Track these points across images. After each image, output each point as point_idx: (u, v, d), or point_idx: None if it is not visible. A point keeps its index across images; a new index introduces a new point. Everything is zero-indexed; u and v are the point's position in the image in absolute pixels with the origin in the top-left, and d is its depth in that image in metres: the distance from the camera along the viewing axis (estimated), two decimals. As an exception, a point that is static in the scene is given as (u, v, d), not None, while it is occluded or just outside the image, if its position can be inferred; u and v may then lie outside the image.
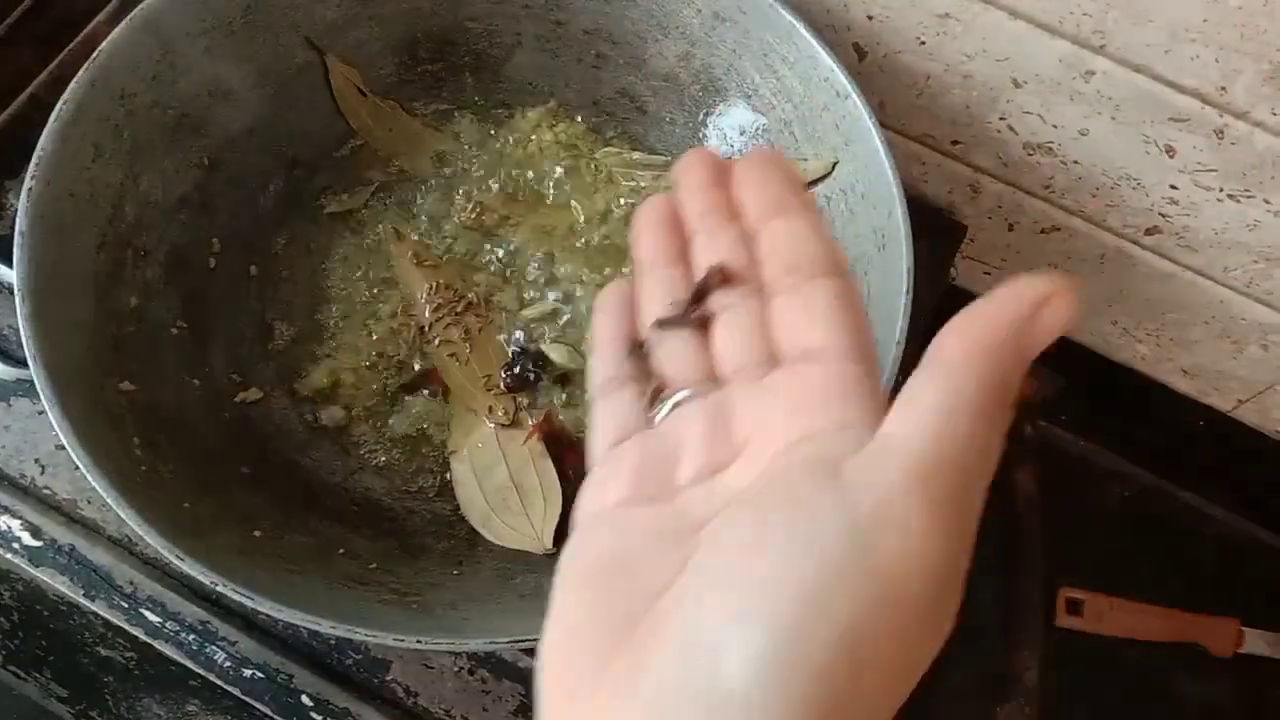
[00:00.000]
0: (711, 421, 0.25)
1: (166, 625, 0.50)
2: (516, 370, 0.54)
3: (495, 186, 0.58)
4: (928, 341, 0.22)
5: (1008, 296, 0.22)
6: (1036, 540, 0.69)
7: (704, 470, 0.24)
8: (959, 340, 0.22)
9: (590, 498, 0.25)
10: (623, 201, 0.58)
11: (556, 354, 0.54)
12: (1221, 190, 0.57)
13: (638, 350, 0.28)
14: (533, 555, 0.49)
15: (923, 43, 0.57)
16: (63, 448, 0.41)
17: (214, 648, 0.50)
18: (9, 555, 0.51)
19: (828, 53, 0.51)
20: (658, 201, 0.30)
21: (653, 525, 0.23)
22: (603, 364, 0.28)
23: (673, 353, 0.27)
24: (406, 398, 0.54)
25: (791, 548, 0.20)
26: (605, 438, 0.27)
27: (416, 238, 0.57)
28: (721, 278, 0.27)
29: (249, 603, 0.40)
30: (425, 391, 0.54)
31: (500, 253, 0.57)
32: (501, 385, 0.54)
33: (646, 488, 0.24)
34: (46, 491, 0.53)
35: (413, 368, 0.54)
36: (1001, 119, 0.60)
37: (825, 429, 0.23)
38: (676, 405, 0.26)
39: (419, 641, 0.40)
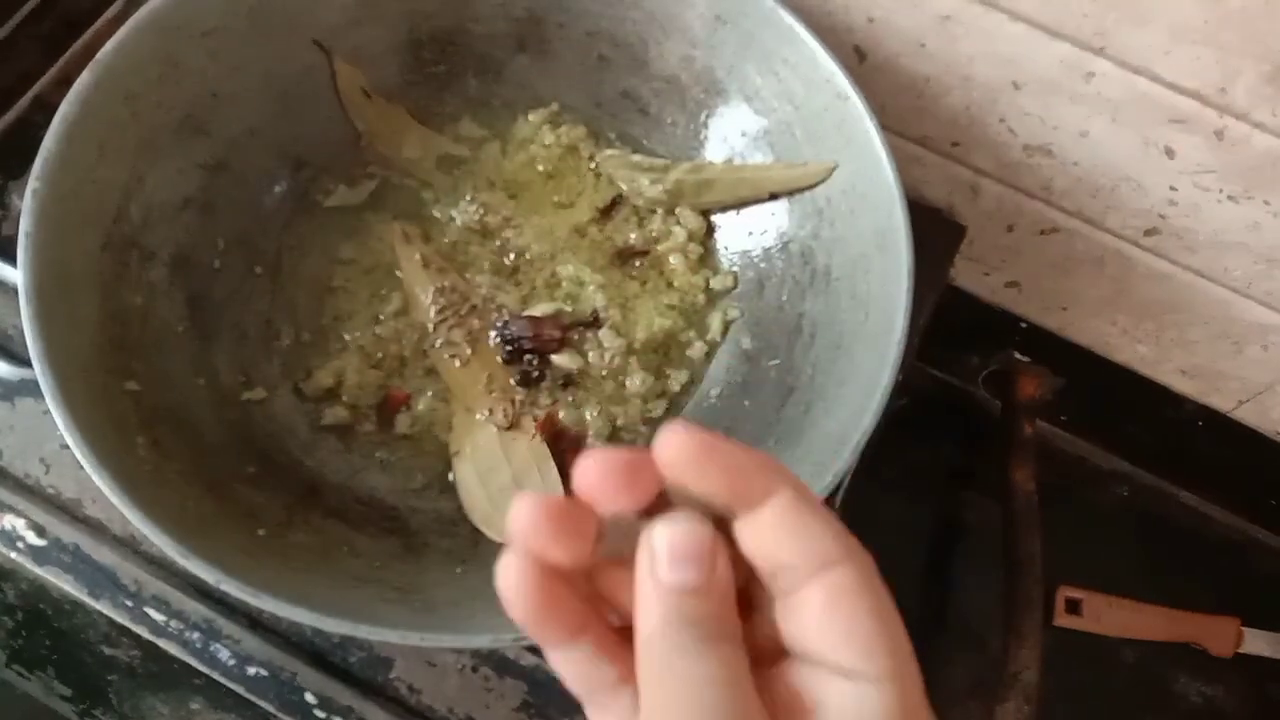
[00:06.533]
0: None
1: (171, 624, 0.51)
2: (522, 367, 0.54)
3: (498, 188, 0.59)
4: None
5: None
6: (1036, 540, 0.69)
7: None
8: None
9: None
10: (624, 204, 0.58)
11: (559, 355, 0.55)
12: (1221, 191, 0.57)
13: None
14: (535, 554, 0.49)
15: (923, 45, 0.57)
16: (67, 447, 0.41)
17: (218, 646, 0.50)
18: (13, 554, 0.51)
19: (829, 55, 0.51)
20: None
21: None
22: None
23: None
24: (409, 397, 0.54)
25: None
26: None
27: (421, 239, 0.57)
28: None
29: (253, 601, 0.40)
30: (429, 392, 0.54)
31: (504, 254, 0.57)
32: (513, 382, 0.54)
33: None
34: (51, 491, 0.53)
35: (416, 368, 0.55)
36: (1001, 120, 0.60)
37: None
38: None
39: (422, 639, 0.41)
